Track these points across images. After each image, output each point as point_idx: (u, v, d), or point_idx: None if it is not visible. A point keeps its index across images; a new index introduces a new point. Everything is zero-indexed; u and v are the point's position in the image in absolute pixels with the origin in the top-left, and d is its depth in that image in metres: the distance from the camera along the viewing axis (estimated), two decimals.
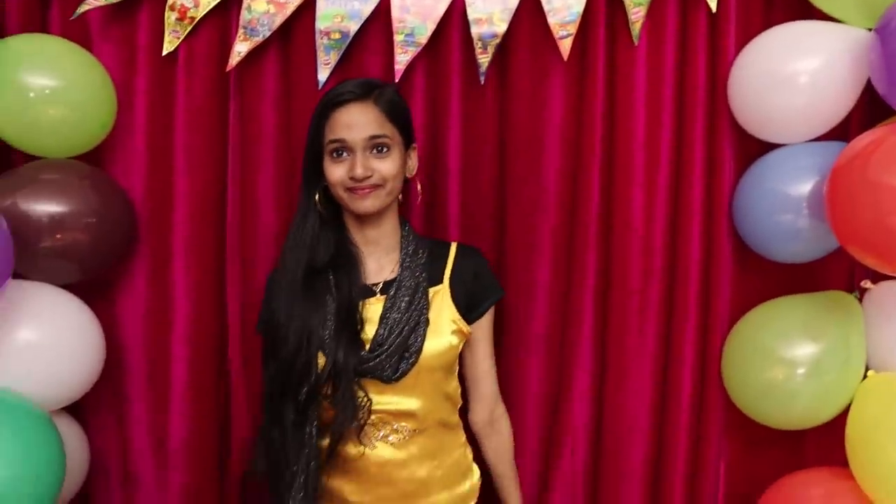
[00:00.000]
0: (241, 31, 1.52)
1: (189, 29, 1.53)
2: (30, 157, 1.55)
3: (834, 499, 1.49)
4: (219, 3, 1.53)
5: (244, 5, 1.52)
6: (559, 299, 1.64)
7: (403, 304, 1.39)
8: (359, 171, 1.35)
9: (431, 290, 1.43)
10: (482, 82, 1.56)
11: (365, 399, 1.35)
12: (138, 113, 1.59)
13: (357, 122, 1.36)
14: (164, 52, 1.54)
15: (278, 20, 1.52)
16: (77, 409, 1.62)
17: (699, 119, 1.59)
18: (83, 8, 1.52)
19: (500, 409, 1.54)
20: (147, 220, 1.61)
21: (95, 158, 1.59)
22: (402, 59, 1.52)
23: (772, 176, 1.53)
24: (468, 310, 1.45)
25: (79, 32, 1.58)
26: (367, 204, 1.38)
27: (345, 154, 1.37)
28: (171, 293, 1.61)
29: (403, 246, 1.46)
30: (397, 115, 1.40)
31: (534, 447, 1.68)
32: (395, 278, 1.42)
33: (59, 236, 1.47)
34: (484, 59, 1.54)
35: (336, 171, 1.37)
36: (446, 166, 1.60)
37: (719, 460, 1.68)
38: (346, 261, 1.41)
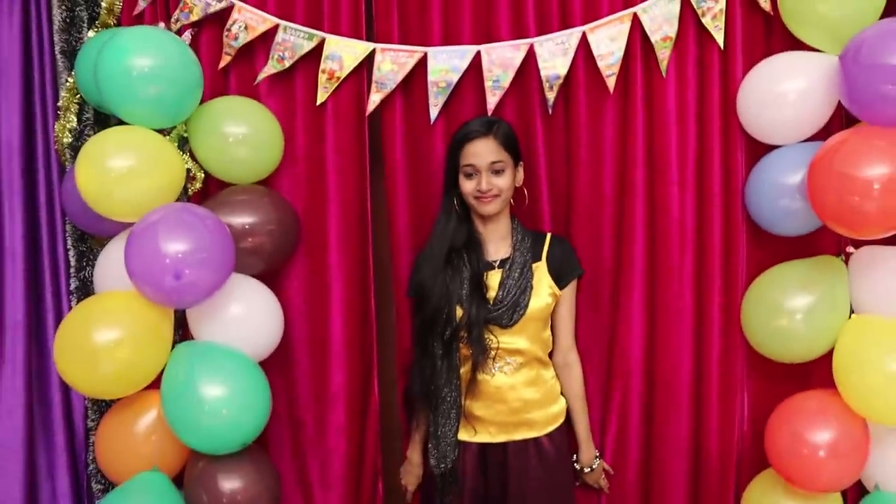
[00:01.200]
0: (374, 85, 2.07)
1: (336, 85, 2.09)
2: (222, 185, 2.11)
3: (825, 411, 1.89)
4: (357, 66, 2.08)
5: (375, 66, 2.06)
6: (616, 273, 2.12)
7: (516, 275, 1.96)
8: (484, 187, 1.92)
9: (534, 265, 1.98)
10: (550, 113, 2.07)
11: (491, 338, 1.93)
12: (299, 148, 2.14)
13: (482, 152, 1.92)
14: (318, 103, 2.10)
15: (400, 76, 2.06)
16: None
17: (716, 129, 2.05)
18: (262, 76, 2.09)
19: (573, 356, 2.09)
20: (307, 226, 2.15)
21: (269, 183, 2.14)
22: (491, 100, 2.04)
23: (773, 170, 1.97)
24: (558, 280, 2.00)
25: (251, 92, 2.13)
26: (490, 208, 1.95)
27: (474, 174, 1.93)
28: (326, 277, 2.14)
29: (514, 235, 2.01)
30: (509, 143, 1.95)
31: (598, 385, 2.16)
32: (509, 257, 1.98)
33: (250, 240, 2.00)
34: (551, 95, 2.05)
35: (468, 185, 1.95)
36: (537, 175, 2.11)
37: (743, 390, 2.12)
38: (474, 245, 1.98)
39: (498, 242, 2.01)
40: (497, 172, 1.93)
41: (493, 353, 1.94)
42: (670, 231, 2.09)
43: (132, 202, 1.82)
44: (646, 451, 2.17)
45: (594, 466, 2.12)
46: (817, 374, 2.02)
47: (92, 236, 2.18)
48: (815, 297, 1.93)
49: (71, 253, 2.19)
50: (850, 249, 1.98)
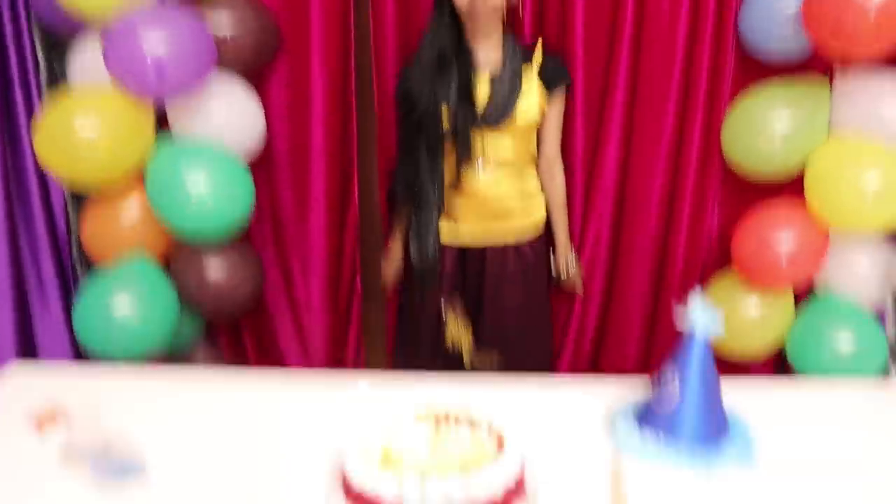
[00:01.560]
0: None
1: None
2: None
3: (792, 218, 2.00)
4: None
5: None
6: (601, 84, 2.11)
7: (507, 77, 1.95)
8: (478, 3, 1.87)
9: (524, 68, 1.98)
10: None
11: (478, 140, 1.95)
12: None
13: None
14: None
15: None
16: None
17: None
18: None
19: (558, 166, 2.13)
20: (287, 30, 2.07)
21: None
22: None
23: None
24: (547, 86, 2.00)
25: None
26: (483, 22, 1.89)
27: None
28: (308, 84, 2.10)
29: (506, 44, 1.99)
30: None
31: (576, 196, 2.21)
32: (500, 63, 1.97)
33: (228, 40, 1.91)
34: None
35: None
36: None
37: (715, 205, 2.19)
38: (464, 51, 1.96)
39: (489, 52, 1.99)
40: None
41: (478, 154, 1.96)
42: (658, 43, 2.07)
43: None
44: (612, 259, 2.27)
45: (571, 267, 2.19)
46: (788, 193, 2.08)
47: (60, 35, 2.08)
48: (797, 116, 1.97)
49: (38, 47, 2.11)
50: (837, 71, 1.97)
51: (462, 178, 1.99)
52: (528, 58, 2.01)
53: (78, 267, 2.23)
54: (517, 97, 1.95)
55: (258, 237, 2.28)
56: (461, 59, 1.95)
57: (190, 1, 1.92)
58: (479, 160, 1.97)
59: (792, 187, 2.06)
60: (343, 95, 2.17)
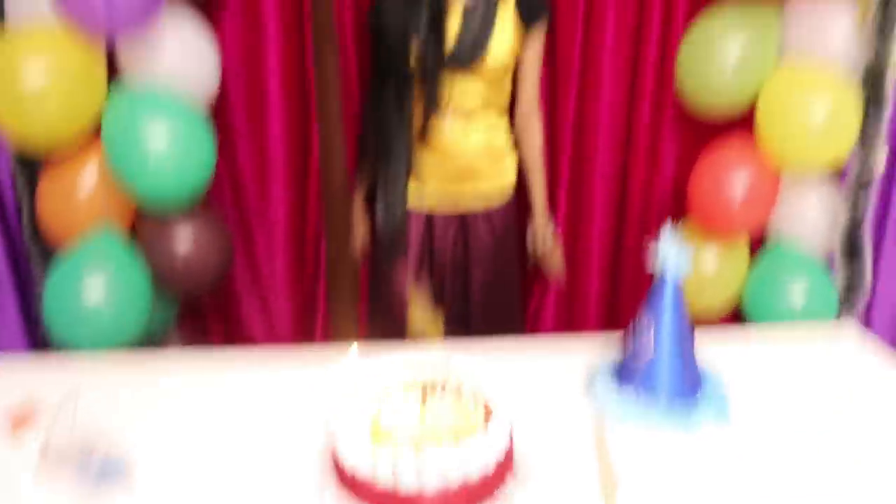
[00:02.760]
0: None
1: None
2: None
3: (741, 161, 2.01)
4: None
5: None
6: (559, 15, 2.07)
7: (480, 11, 1.80)
8: None
9: (501, 2, 1.82)
10: None
11: (446, 80, 1.80)
12: None
13: None
14: None
15: None
16: None
17: None
18: None
19: (535, 118, 2.00)
20: None
21: None
22: None
23: None
24: (526, 22, 1.85)
25: None
26: None
27: None
28: (261, 21, 2.00)
29: None
30: None
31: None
32: None
33: None
34: None
35: None
36: None
37: (671, 144, 2.20)
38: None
39: None
40: None
41: (446, 100, 1.83)
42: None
43: None
44: (574, 199, 2.27)
45: (547, 236, 2.07)
46: (741, 132, 2.08)
47: None
48: (748, 43, 1.96)
49: None
50: None
51: (428, 129, 1.85)
52: None
53: (31, 247, 2.05)
54: (489, 34, 1.80)
55: (219, 204, 2.20)
56: None
57: None
58: (447, 104, 1.83)
59: (745, 125, 2.06)
60: (299, 27, 2.07)
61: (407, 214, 1.93)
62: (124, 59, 1.82)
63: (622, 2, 2.09)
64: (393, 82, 1.84)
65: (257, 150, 2.17)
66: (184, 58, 1.82)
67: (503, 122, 1.97)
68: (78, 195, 1.85)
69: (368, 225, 2.09)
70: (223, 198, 2.20)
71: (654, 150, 2.23)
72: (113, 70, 1.84)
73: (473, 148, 1.91)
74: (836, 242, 2.13)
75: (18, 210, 2.10)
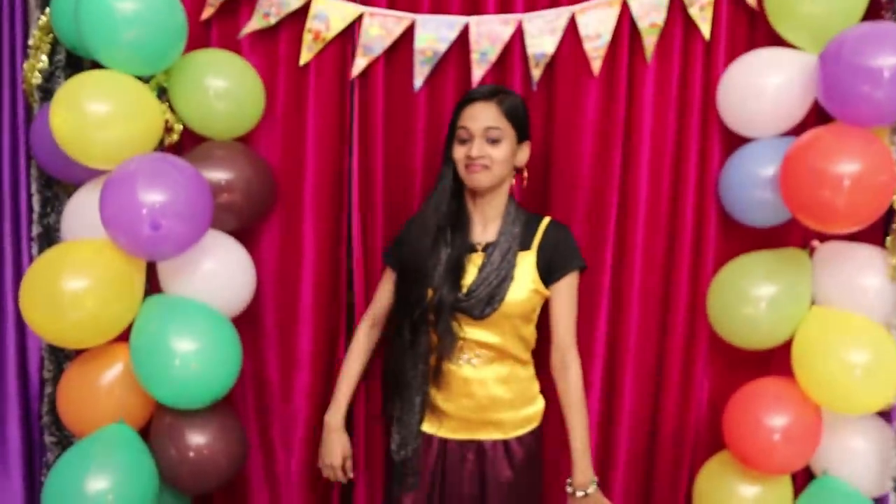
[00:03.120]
0: (360, 49, 2.05)
1: (321, 46, 2.06)
2: (198, 140, 2.05)
3: (782, 397, 1.96)
4: (344, 28, 2.05)
5: (363, 30, 2.04)
6: (587, 255, 2.10)
7: (496, 262, 1.80)
8: (473, 152, 1.78)
9: (521, 255, 1.82)
10: (534, 89, 2.08)
11: (459, 328, 1.80)
12: (279, 107, 2.11)
13: (479, 115, 1.79)
14: (302, 63, 2.07)
15: (388, 41, 2.04)
16: None
17: (695, 118, 2.09)
18: (246, 31, 2.06)
19: (571, 356, 1.85)
20: (283, 186, 2.12)
21: (247, 140, 2.09)
22: (477, 73, 2.04)
23: (748, 161, 2.00)
24: (548, 274, 1.83)
25: (233, 46, 2.09)
26: (478, 180, 1.79)
27: (467, 139, 1.80)
28: (300, 239, 2.11)
29: (505, 217, 1.85)
30: (513, 114, 1.81)
31: None
32: (495, 241, 1.83)
33: (225, 196, 1.96)
34: (536, 73, 2.06)
35: (459, 151, 1.82)
36: None
37: (704, 376, 2.17)
38: (462, 222, 1.85)
39: (487, 223, 1.88)
40: (493, 142, 1.80)
41: (459, 343, 1.81)
42: (642, 215, 2.13)
43: (109, 148, 1.77)
44: (603, 432, 2.20)
45: (589, 492, 1.81)
46: (776, 362, 2.08)
47: (59, 182, 2.12)
48: (779, 287, 1.99)
49: (35, 198, 2.13)
50: (815, 243, 2.05)
51: (441, 372, 1.84)
52: (529, 233, 1.86)
53: (46, 434, 2.12)
54: (506, 287, 1.80)
55: (240, 399, 2.20)
56: (456, 231, 1.84)
57: (191, 156, 1.96)
58: (461, 349, 1.83)
59: (779, 357, 2.05)
60: (334, 254, 2.18)
61: (420, 446, 1.88)
62: (163, 273, 1.91)
63: (651, 232, 2.13)
64: (409, 321, 1.85)
65: (284, 351, 2.19)
66: (219, 275, 1.93)
67: (525, 370, 1.91)
68: (98, 392, 1.89)
69: (345, 447, 2.00)
70: (244, 392, 2.21)
71: (687, 379, 2.18)
72: (151, 280, 1.95)
73: (490, 390, 1.86)
74: (890, 482, 2.01)
75: (41, 393, 2.16)
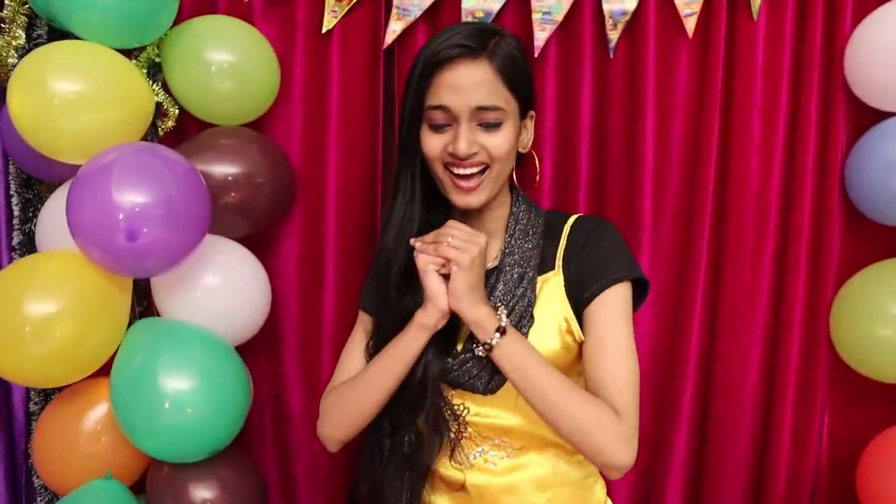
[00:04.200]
0: (395, 10, 1.66)
1: (347, 9, 1.69)
2: (202, 125, 1.72)
3: None
4: None
5: None
6: (678, 256, 1.74)
7: (503, 298, 1.17)
8: (462, 147, 1.12)
9: (541, 279, 1.20)
10: (612, 56, 1.68)
11: (451, 412, 1.19)
12: (296, 84, 1.74)
13: (463, 85, 1.12)
14: (324, 30, 1.70)
15: (428, 1, 1.66)
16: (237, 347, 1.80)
17: (814, 89, 1.67)
18: None
19: (624, 431, 1.11)
20: (303, 180, 1.77)
21: (259, 125, 1.74)
22: (540, 35, 1.64)
23: (884, 143, 1.60)
24: (579, 294, 1.18)
25: (244, 13, 1.73)
26: (473, 200, 1.16)
27: (444, 125, 1.15)
28: (323, 244, 1.76)
29: (510, 227, 1.22)
30: (515, 75, 1.16)
31: (647, 396, 1.78)
32: (497, 266, 1.20)
33: (233, 194, 1.62)
34: (614, 35, 1.65)
35: (433, 144, 1.16)
36: (577, 137, 1.70)
37: (824, 411, 1.77)
38: None
39: (491, 238, 1.24)
40: (489, 126, 1.15)
41: (462, 434, 1.21)
42: (747, 210, 1.72)
43: (81, 138, 1.42)
44: (696, 475, 1.81)
45: (494, 342, 1.15)
46: None
47: (40, 182, 1.79)
48: None
49: (14, 200, 1.79)
50: None
51: (443, 472, 1.25)
52: (549, 241, 1.24)
53: (34, 475, 1.73)
54: (524, 335, 1.18)
55: (257, 434, 1.88)
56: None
57: (191, 146, 1.61)
58: (469, 439, 1.22)
59: None
60: (363, 260, 1.80)
61: None
62: (156, 292, 1.56)
63: (758, 233, 1.73)
64: (387, 409, 1.23)
65: (308, 376, 1.85)
66: (223, 293, 1.57)
67: (578, 464, 1.26)
68: (80, 438, 1.54)
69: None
70: (262, 423, 1.89)
71: (802, 419, 1.77)
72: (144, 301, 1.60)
73: (526, 501, 1.21)
74: None
75: (27, 432, 1.84)
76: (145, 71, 1.61)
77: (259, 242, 1.76)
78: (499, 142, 1.15)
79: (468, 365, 1.18)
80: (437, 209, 1.25)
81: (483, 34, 1.15)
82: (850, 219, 1.73)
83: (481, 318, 1.13)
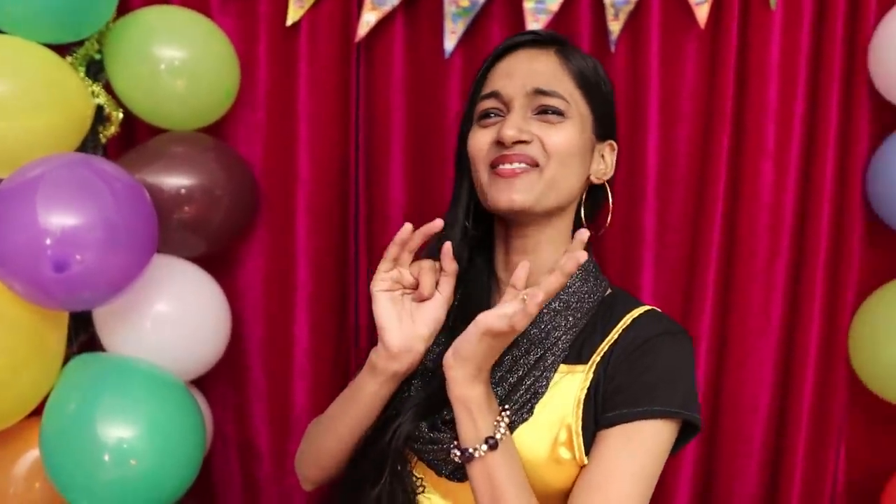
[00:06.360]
0: (367, 0, 1.49)
1: None
2: (153, 131, 1.54)
3: None
4: None
5: None
6: (684, 271, 1.58)
7: (508, 373, 0.93)
8: (509, 130, 0.92)
9: (563, 369, 0.93)
10: (612, 50, 1.51)
11: (409, 487, 0.95)
12: (259, 84, 1.56)
13: (522, 69, 0.96)
14: (289, 23, 1.51)
15: None
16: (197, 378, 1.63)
17: (835, 87, 1.51)
18: None
19: None
20: (268, 192, 1.59)
21: (217, 130, 1.56)
22: (533, 27, 1.46)
23: None
24: (603, 409, 0.91)
25: (199, 3, 1.54)
26: (516, 196, 0.92)
27: (495, 113, 0.97)
28: (292, 264, 1.59)
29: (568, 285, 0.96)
30: (590, 82, 0.99)
31: None
32: (524, 331, 0.87)
33: (186, 209, 1.44)
34: (615, 27, 1.48)
35: (477, 139, 0.97)
36: None
37: (841, 440, 1.62)
38: (479, 286, 1.00)
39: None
40: (548, 114, 0.95)
41: None
42: (759, 220, 1.56)
43: (1, 149, 1.22)
44: None
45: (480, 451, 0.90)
46: None
47: None
48: None
49: None
50: None
51: None
52: (603, 323, 0.97)
53: None
54: (514, 427, 0.92)
55: (222, 471, 1.71)
56: (469, 303, 0.99)
57: (138, 155, 1.43)
58: None
59: None
60: (338, 279, 1.64)
61: None
62: (98, 323, 1.37)
63: (771, 244, 1.57)
64: (367, 457, 0.99)
65: (276, 410, 1.67)
66: (175, 322, 1.39)
67: None
68: (9, 490, 1.34)
69: None
70: (229, 464, 1.71)
71: (818, 447, 1.62)
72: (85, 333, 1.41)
73: None
74: None
75: None
76: (83, 69, 1.41)
77: (218, 262, 1.58)
78: (558, 137, 0.94)
79: (435, 446, 0.91)
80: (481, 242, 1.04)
81: (558, 37, 1.03)
82: (871, 230, 1.57)
83: (472, 403, 0.86)
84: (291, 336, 1.61)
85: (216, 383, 1.66)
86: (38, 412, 1.33)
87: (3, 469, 1.36)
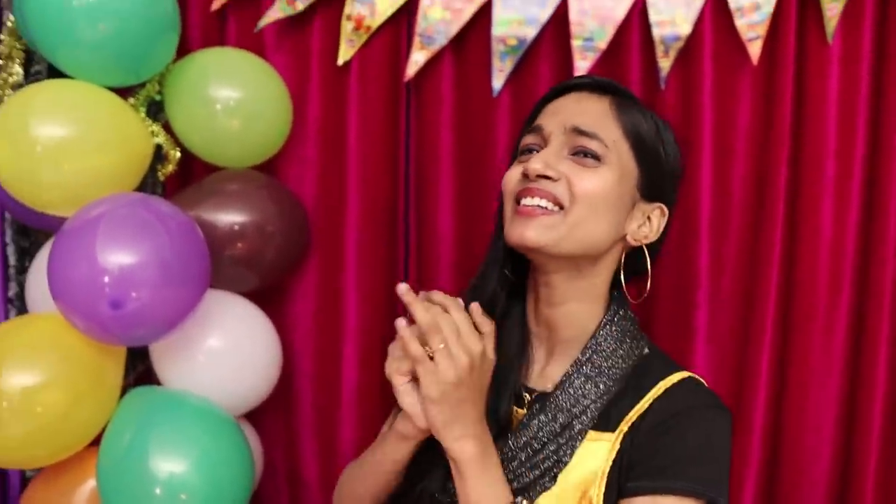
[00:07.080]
0: (417, 39, 1.49)
1: (365, 38, 1.52)
2: (209, 168, 1.58)
3: None
4: (395, 12, 1.50)
5: (420, 13, 1.48)
6: (739, 317, 1.54)
7: (535, 438, 0.90)
8: (535, 163, 0.89)
9: (592, 435, 0.90)
10: (663, 87, 1.49)
11: None
12: (311, 122, 1.59)
13: (569, 108, 0.94)
14: (341, 62, 1.54)
15: (454, 28, 1.48)
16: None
17: None
18: (265, 21, 1.53)
19: None
20: (319, 228, 1.61)
21: (270, 167, 1.60)
22: (581, 65, 1.45)
23: None
24: (625, 478, 0.88)
25: (254, 43, 1.59)
26: (530, 232, 0.89)
27: (533, 149, 0.95)
28: (342, 299, 1.60)
29: (589, 349, 0.92)
30: (643, 142, 0.94)
31: None
32: (552, 391, 0.91)
33: (240, 245, 1.47)
34: (665, 63, 1.46)
35: (510, 173, 0.95)
36: None
37: None
38: (507, 358, 0.96)
39: (555, 350, 0.97)
40: (581, 155, 0.92)
41: None
42: (819, 261, 1.51)
43: (67, 189, 1.27)
44: None
45: None
46: None
47: (38, 230, 1.65)
48: None
49: (10, 249, 1.66)
50: None
51: None
52: (635, 389, 0.93)
53: None
54: (536, 495, 0.91)
55: (271, 500, 1.72)
56: (505, 361, 0.95)
57: (194, 193, 1.47)
58: None
59: None
60: (386, 315, 1.63)
61: None
62: (154, 357, 1.40)
63: (832, 288, 1.51)
64: None
65: (325, 443, 1.68)
66: (227, 357, 1.41)
67: None
68: None
69: None
70: (278, 496, 1.73)
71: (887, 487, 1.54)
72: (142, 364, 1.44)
73: None
74: None
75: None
76: (144, 110, 1.46)
77: (269, 297, 1.60)
78: (590, 182, 0.90)
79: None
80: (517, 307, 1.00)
81: (620, 88, 0.99)
82: None
83: (462, 463, 0.87)
84: (340, 370, 1.62)
85: (266, 415, 1.67)
86: (97, 442, 1.38)
87: (64, 497, 1.40)
